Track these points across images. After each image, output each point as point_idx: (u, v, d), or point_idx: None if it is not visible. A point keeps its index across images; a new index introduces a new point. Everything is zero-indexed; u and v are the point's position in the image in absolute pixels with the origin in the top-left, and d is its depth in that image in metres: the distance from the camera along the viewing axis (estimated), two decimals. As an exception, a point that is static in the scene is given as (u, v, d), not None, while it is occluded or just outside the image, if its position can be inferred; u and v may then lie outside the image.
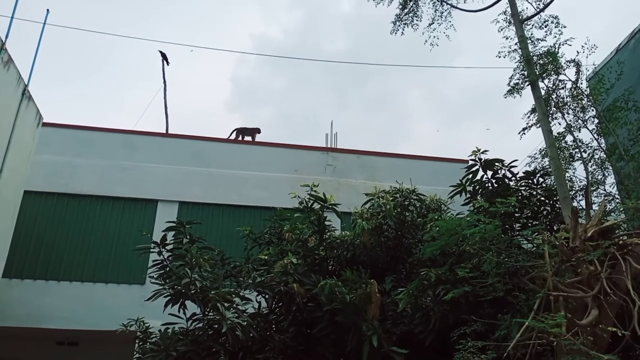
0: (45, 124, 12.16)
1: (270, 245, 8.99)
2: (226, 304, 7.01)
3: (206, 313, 7.11)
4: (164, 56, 18.76)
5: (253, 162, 14.17)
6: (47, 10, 11.83)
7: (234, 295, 7.33)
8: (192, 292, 6.96)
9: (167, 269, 7.27)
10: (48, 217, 12.47)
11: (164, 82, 18.73)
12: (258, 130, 16.07)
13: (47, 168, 12.60)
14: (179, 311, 7.30)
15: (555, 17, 9.39)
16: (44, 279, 11.88)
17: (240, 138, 15.88)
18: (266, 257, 8.36)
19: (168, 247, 7.52)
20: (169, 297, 7.21)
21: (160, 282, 7.23)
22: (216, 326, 6.98)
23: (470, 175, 8.62)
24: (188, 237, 7.61)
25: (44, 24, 11.71)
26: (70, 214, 12.61)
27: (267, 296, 7.92)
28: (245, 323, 6.92)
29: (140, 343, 7.90)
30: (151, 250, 7.49)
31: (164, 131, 16.75)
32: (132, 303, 10.74)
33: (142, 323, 8.06)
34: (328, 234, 8.86)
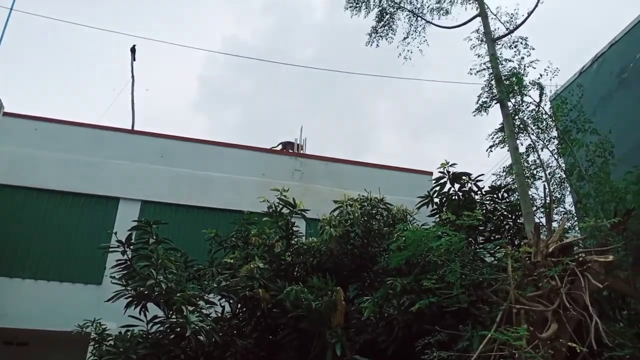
0: (6, 114, 11.70)
1: (235, 249, 8.91)
2: (190, 308, 6.89)
3: (169, 316, 6.97)
4: (133, 51, 18.36)
5: (220, 164, 14.00)
6: (14, -5, 11.44)
7: (198, 299, 7.21)
8: (156, 294, 6.81)
9: (131, 269, 7.09)
10: (3, 210, 11.95)
11: (132, 77, 18.33)
12: (300, 147, 16.60)
13: (6, 159, 12.11)
14: (140, 313, 7.13)
15: (525, 39, 9.72)
16: (-6, 275, 11.38)
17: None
18: (231, 261, 8.28)
19: (132, 247, 7.35)
20: (130, 299, 7.05)
21: (122, 282, 7.05)
22: (179, 330, 6.86)
23: (438, 187, 8.78)
24: (154, 237, 7.44)
25: (11, 9, 11.32)
26: (27, 208, 12.14)
27: (231, 301, 7.83)
28: (209, 327, 6.82)
29: (96, 345, 7.65)
30: (112, 249, 7.29)
31: (129, 127, 16.38)
32: (87, 303, 10.41)
33: (98, 325, 7.83)
34: (295, 239, 8.85)
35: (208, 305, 7.44)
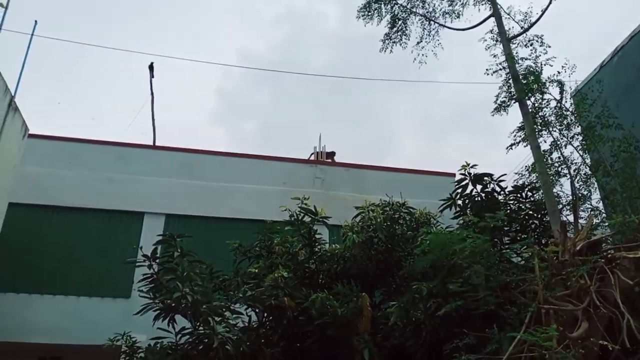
0: (31, 135, 12.00)
1: (259, 259, 8.95)
2: (217, 318, 6.95)
3: (197, 327, 7.04)
4: (151, 68, 18.70)
5: (241, 175, 14.13)
6: (35, 21, 11.76)
7: (224, 309, 7.27)
8: (183, 305, 6.88)
9: (158, 282, 7.18)
10: (32, 229, 12.26)
11: (152, 94, 18.65)
12: (334, 153, 16.44)
13: (32, 180, 12.41)
14: (168, 325, 7.21)
15: (540, 37, 9.64)
16: (26, 293, 11.65)
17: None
18: (256, 271, 8.33)
19: (158, 261, 7.45)
20: (158, 311, 7.13)
21: (149, 295, 7.14)
22: (206, 340, 6.91)
23: (460, 189, 8.71)
24: (179, 250, 7.53)
25: (32, 35, 11.63)
26: (55, 226, 12.43)
27: (257, 310, 7.87)
28: (236, 337, 6.87)
29: (127, 358, 7.77)
30: (139, 263, 7.39)
31: (151, 143, 16.65)
32: (117, 317, 10.61)
33: (128, 337, 7.94)
34: (318, 247, 8.87)
35: (234, 316, 7.49)
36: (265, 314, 7.93)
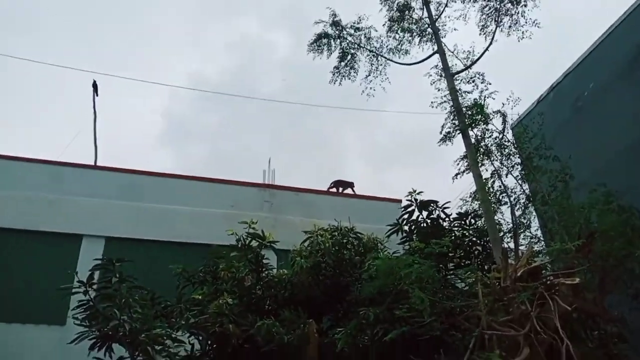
0: (-39, 152, 11.31)
1: (204, 284, 8.69)
2: (157, 347, 6.66)
3: (135, 357, 6.71)
4: (95, 86, 18.12)
5: (186, 197, 13.76)
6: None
7: (165, 338, 6.97)
8: (121, 334, 6.55)
9: (94, 310, 6.81)
10: (-42, 251, 11.43)
11: (94, 113, 18.01)
12: (352, 184, 16.09)
13: (-40, 198, 11.64)
14: (105, 355, 6.84)
15: (482, 74, 10.15)
16: (-51, 320, 10.77)
17: (337, 190, 15.71)
18: (200, 297, 8.08)
19: (95, 287, 7.07)
20: (94, 340, 6.76)
21: (85, 324, 6.76)
22: (145, 371, 6.60)
23: (407, 215, 8.85)
24: (117, 276, 7.18)
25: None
26: (-17, 249, 11.64)
27: (200, 338, 7.61)
28: (176, 367, 6.60)
29: (58, 390, 7.31)
30: (75, 290, 6.99)
31: (92, 163, 16.02)
32: (51, 345, 9.96)
33: (61, 368, 7.49)
34: (265, 272, 8.73)
35: (176, 344, 7.20)
36: (209, 342, 7.67)
